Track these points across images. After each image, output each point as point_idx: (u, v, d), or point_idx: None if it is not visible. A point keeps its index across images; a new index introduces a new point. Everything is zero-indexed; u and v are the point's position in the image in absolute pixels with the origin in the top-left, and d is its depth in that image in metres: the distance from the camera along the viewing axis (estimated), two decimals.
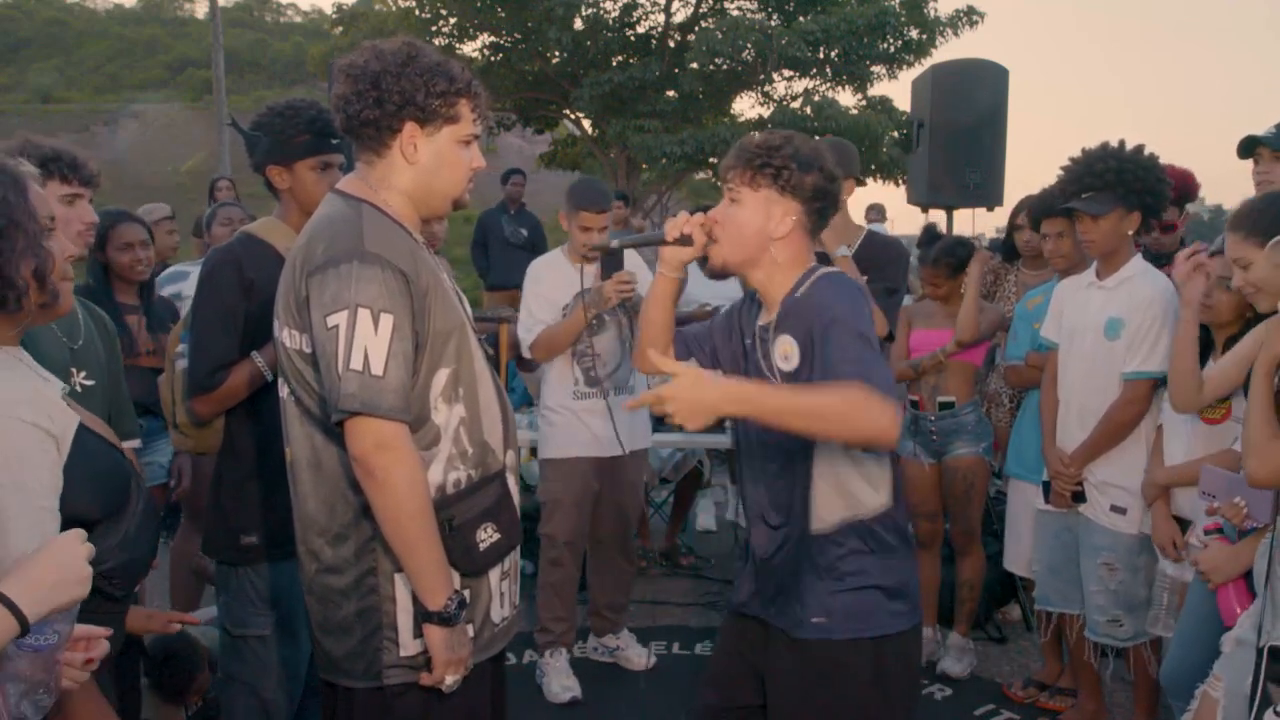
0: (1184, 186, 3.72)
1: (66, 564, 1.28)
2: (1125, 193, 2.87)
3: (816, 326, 1.85)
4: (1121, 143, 2.96)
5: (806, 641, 1.95)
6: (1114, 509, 2.99)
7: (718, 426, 4.26)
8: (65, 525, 1.47)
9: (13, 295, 1.44)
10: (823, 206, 1.97)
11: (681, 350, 2.16)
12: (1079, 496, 3.06)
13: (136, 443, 2.51)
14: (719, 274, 2.04)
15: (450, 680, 1.72)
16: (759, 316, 2.04)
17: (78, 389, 2.12)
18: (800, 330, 1.91)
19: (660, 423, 4.13)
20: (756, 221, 1.94)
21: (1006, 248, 4.24)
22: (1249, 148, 2.84)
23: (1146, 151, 2.94)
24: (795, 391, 1.77)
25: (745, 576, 2.12)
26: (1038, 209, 3.57)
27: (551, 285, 3.57)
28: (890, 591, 1.96)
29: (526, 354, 3.62)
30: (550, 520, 3.64)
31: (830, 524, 1.93)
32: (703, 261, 2.04)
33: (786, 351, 1.94)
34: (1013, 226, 4.15)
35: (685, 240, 1.98)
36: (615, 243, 2.30)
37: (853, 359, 1.77)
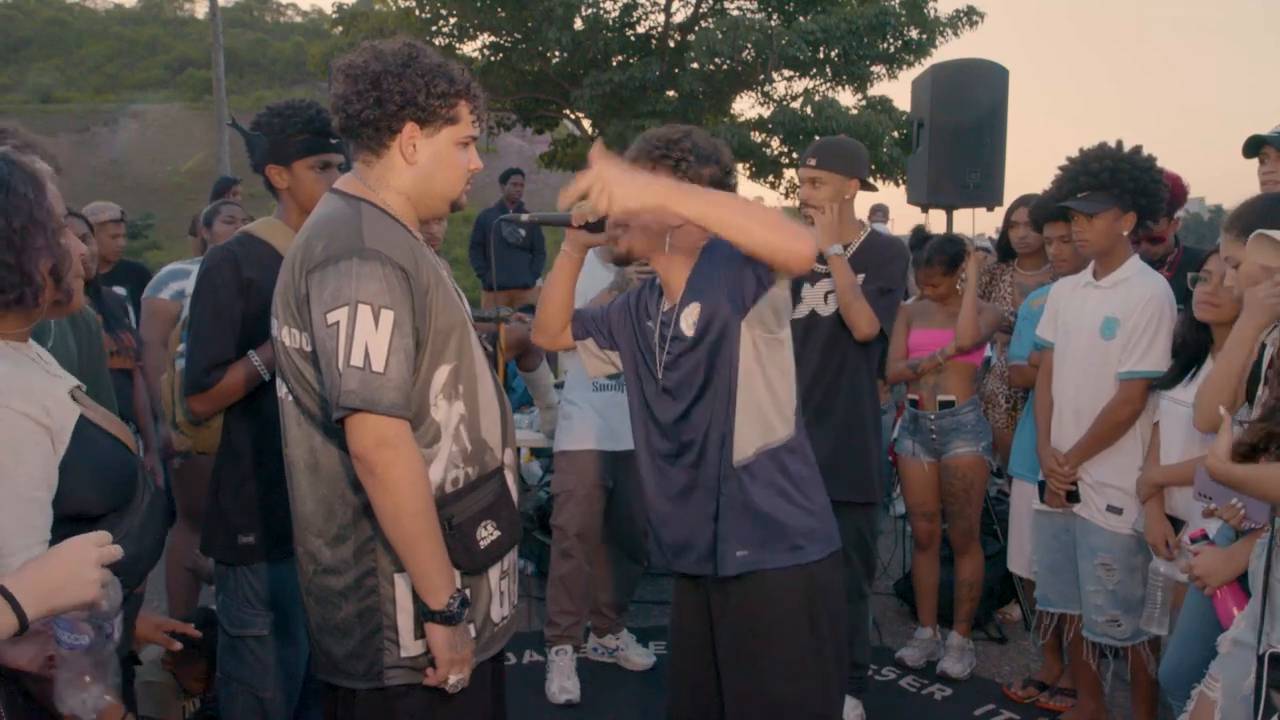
0: (1171, 195, 3.71)
1: (74, 566, 1.26)
2: (1120, 193, 2.87)
3: (731, 261, 1.98)
4: (1119, 143, 2.97)
5: (735, 578, 2.04)
6: (1110, 509, 2.99)
7: None
8: (69, 519, 1.47)
9: (30, 292, 1.46)
10: None
11: (579, 329, 2.28)
12: (1073, 496, 3.06)
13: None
14: (623, 260, 2.19)
15: (454, 680, 1.72)
16: (661, 303, 2.15)
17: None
18: (703, 293, 2.04)
19: None
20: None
21: (1002, 246, 4.24)
22: (1255, 147, 2.84)
23: (1144, 153, 2.94)
24: (719, 195, 1.85)
25: (663, 535, 2.17)
26: (1040, 212, 3.57)
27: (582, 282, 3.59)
28: (809, 518, 2.07)
29: (534, 340, 3.62)
30: (562, 511, 3.65)
31: (748, 454, 2.03)
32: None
33: (693, 317, 2.06)
34: (1008, 224, 4.15)
35: (593, 226, 2.07)
36: (526, 216, 2.38)
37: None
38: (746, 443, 2.04)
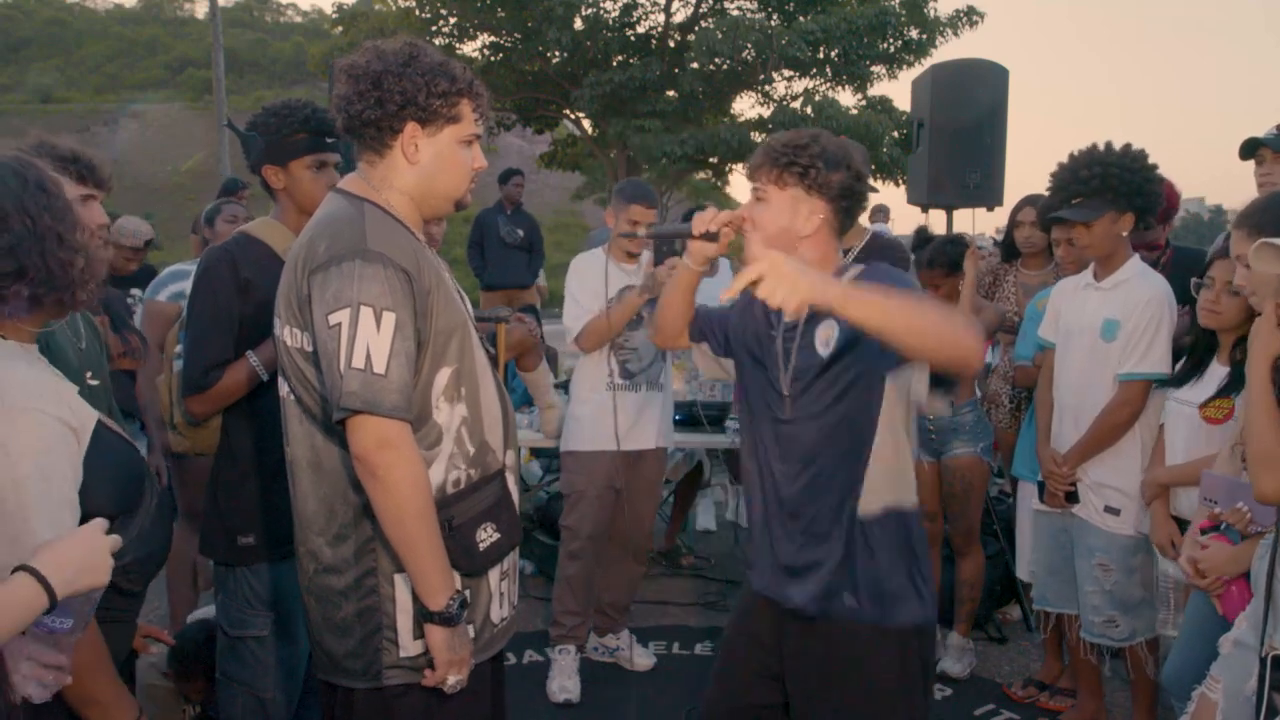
0: (1165, 203, 3.71)
1: (92, 550, 1.33)
2: (1114, 196, 2.86)
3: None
4: (1108, 144, 2.95)
5: (838, 623, 1.97)
6: (1108, 510, 2.99)
7: (718, 426, 4.31)
8: (82, 520, 1.48)
9: (69, 295, 1.50)
10: (849, 205, 2.01)
11: (695, 331, 2.23)
12: (1072, 497, 3.05)
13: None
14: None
15: (453, 680, 1.72)
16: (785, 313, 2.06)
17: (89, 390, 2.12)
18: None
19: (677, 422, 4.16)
20: (783, 220, 1.97)
21: (1006, 247, 4.24)
22: (1251, 149, 2.84)
23: (1134, 149, 2.92)
24: (893, 294, 1.71)
25: (755, 559, 2.11)
26: (1045, 215, 3.56)
27: (596, 278, 3.54)
28: (918, 586, 1.98)
29: (572, 345, 3.60)
30: (573, 512, 3.64)
31: (875, 510, 1.95)
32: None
33: (828, 336, 1.96)
34: (1012, 224, 4.14)
35: (711, 236, 2.02)
36: (644, 231, 2.33)
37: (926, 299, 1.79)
38: (876, 495, 1.95)
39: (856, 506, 1.95)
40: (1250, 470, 1.92)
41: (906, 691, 1.98)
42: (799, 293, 1.61)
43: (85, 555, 1.31)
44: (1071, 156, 2.98)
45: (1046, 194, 3.68)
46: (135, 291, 3.96)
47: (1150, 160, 2.94)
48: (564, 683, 3.60)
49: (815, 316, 1.95)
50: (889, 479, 1.96)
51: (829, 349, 1.95)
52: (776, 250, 1.81)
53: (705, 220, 2.03)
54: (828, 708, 2.00)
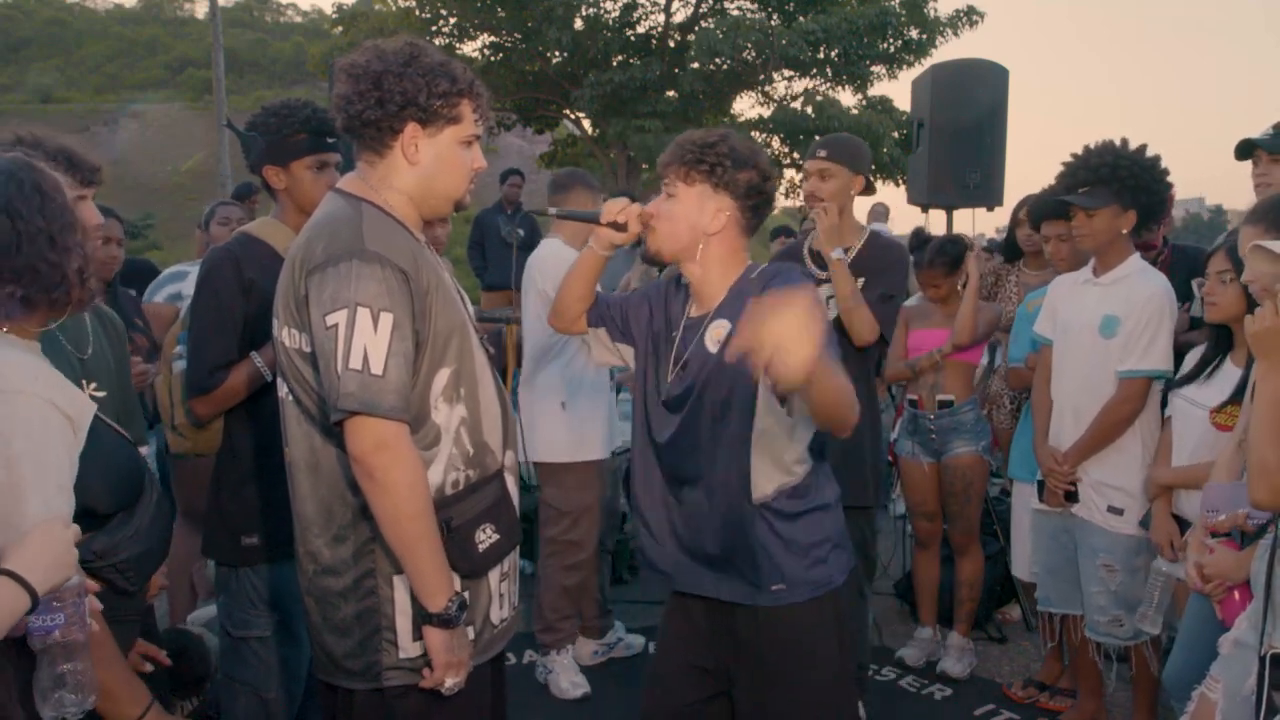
0: None
1: (56, 545, 1.32)
2: (1120, 189, 2.87)
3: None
4: (1124, 141, 2.96)
5: (769, 610, 2.01)
6: (1111, 510, 2.98)
7: None
8: (77, 516, 1.48)
9: (64, 291, 1.49)
10: (757, 204, 2.04)
11: (594, 317, 2.24)
12: (1072, 496, 3.05)
13: (145, 448, 2.50)
14: (653, 260, 2.13)
15: (451, 682, 1.72)
16: (689, 308, 2.10)
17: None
18: (738, 316, 1.93)
19: None
20: (690, 216, 2.01)
21: (1008, 246, 4.24)
22: (1246, 150, 2.84)
23: (1149, 152, 2.93)
24: (838, 375, 1.78)
25: (666, 555, 2.12)
26: (1037, 211, 3.57)
27: (559, 265, 3.55)
28: (831, 543, 2.05)
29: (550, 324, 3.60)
30: (575, 527, 3.58)
31: (768, 493, 1.99)
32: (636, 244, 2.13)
33: (719, 335, 2.00)
34: (1014, 224, 4.14)
35: (619, 226, 2.05)
36: (553, 211, 2.37)
37: (833, 344, 1.84)
38: (766, 480, 1.99)
39: (749, 493, 1.98)
40: (1249, 477, 1.91)
41: (841, 648, 2.06)
42: (801, 352, 1.54)
43: (53, 549, 1.31)
44: (1086, 148, 2.99)
45: (1042, 191, 3.70)
46: (131, 291, 3.93)
47: (1164, 167, 2.94)
48: (573, 679, 3.60)
49: (715, 314, 2.02)
50: (777, 461, 2.00)
51: (717, 347, 1.99)
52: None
53: (614, 210, 2.06)
54: (772, 686, 2.04)
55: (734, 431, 1.98)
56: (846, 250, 3.02)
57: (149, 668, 1.99)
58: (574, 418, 3.56)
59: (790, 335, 1.52)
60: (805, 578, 2.01)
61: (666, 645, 2.22)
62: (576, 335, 2.29)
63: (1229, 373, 2.63)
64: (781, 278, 1.99)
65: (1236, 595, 2.18)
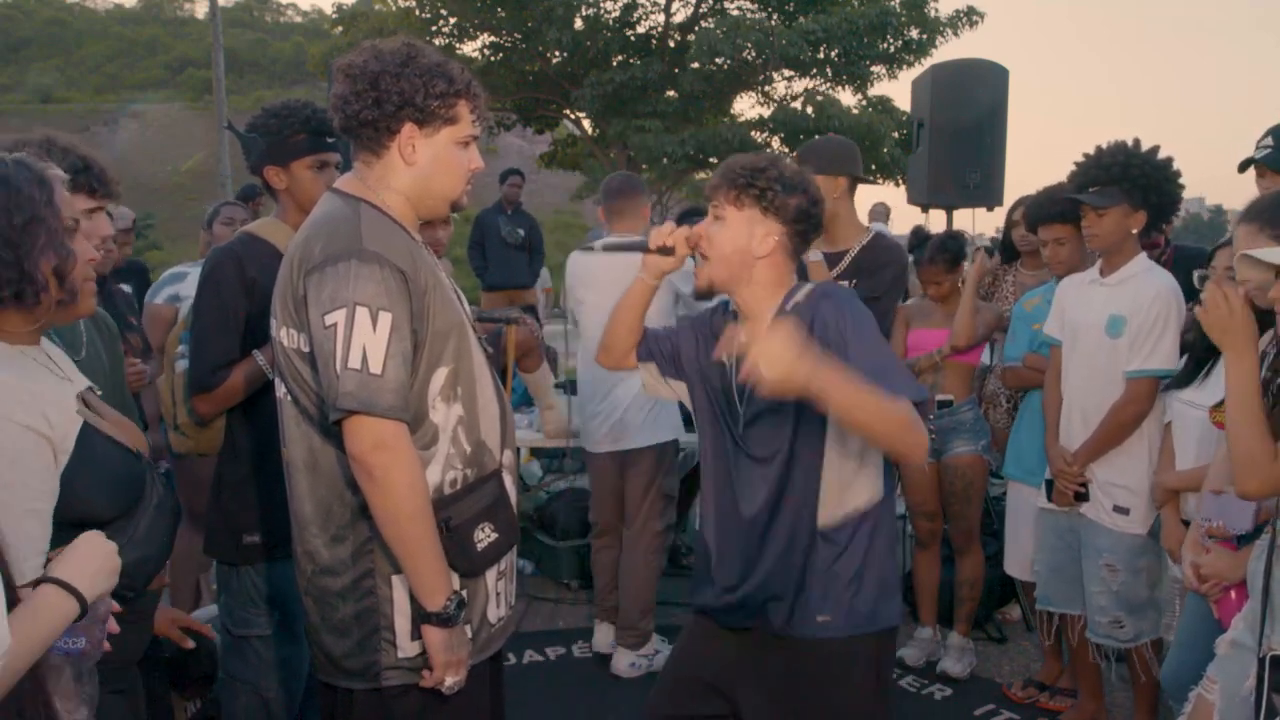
0: None
1: (101, 556, 1.35)
2: (1130, 188, 2.87)
3: (831, 337, 1.89)
4: (1137, 142, 2.96)
5: (809, 640, 1.97)
6: (1117, 509, 2.97)
7: None
8: (76, 525, 1.48)
9: (31, 290, 1.46)
10: (805, 229, 2.03)
11: (643, 351, 2.21)
12: (1081, 496, 3.05)
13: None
14: (704, 294, 2.09)
15: (450, 681, 1.72)
16: (742, 336, 2.05)
17: None
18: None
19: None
20: (739, 240, 1.99)
21: (1005, 247, 4.24)
22: (1247, 167, 2.87)
23: (1162, 155, 2.93)
24: (863, 388, 1.75)
25: (707, 579, 2.10)
26: (1033, 214, 3.56)
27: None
28: (886, 585, 2.01)
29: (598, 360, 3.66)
30: (670, 509, 3.73)
31: (836, 518, 1.96)
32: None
33: None
34: (1009, 224, 4.14)
35: (666, 250, 2.03)
36: (599, 245, 2.32)
37: (891, 369, 1.86)
38: (835, 505, 1.97)
39: (816, 520, 1.97)
40: (1235, 472, 1.91)
41: (879, 696, 2.01)
42: (778, 367, 1.65)
43: (98, 559, 1.34)
44: (1098, 148, 2.99)
45: (1037, 193, 3.69)
46: (124, 287, 3.93)
47: (1176, 168, 2.94)
48: (635, 660, 3.72)
49: None
50: (844, 486, 1.98)
51: None
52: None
53: (662, 235, 2.05)
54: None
55: (804, 456, 1.97)
56: (847, 250, 3.02)
57: (190, 643, 2.02)
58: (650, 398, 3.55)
59: (769, 351, 1.64)
60: (852, 612, 1.97)
61: (682, 656, 2.20)
62: (628, 370, 2.26)
63: (1222, 371, 2.64)
64: (832, 299, 1.98)
65: (1233, 595, 2.18)
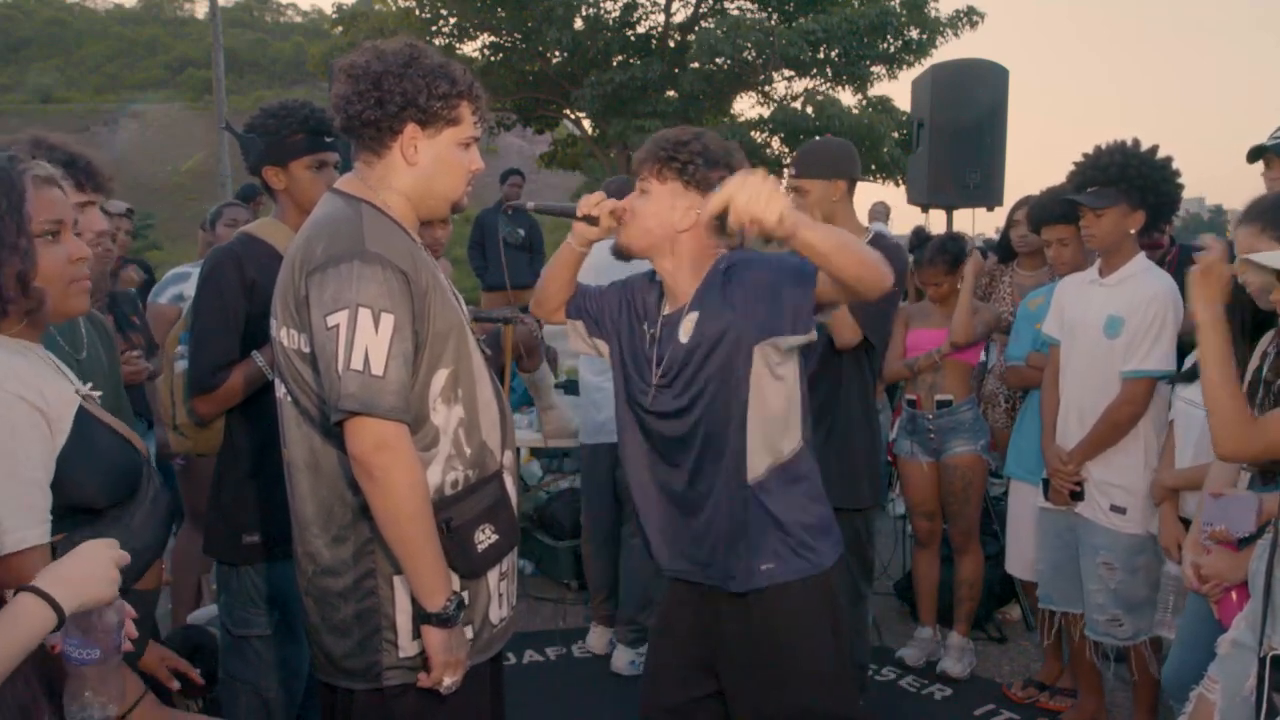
0: None
1: (93, 566, 1.32)
2: (1129, 188, 2.87)
3: (755, 267, 2.00)
4: (1135, 141, 2.96)
5: (758, 591, 2.04)
6: (1113, 509, 2.98)
7: None
8: (72, 511, 1.48)
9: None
10: None
11: (572, 308, 2.28)
12: (1077, 495, 3.05)
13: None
14: (623, 255, 2.15)
15: (448, 682, 1.72)
16: (664, 306, 2.14)
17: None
18: (708, 305, 2.04)
19: None
20: (662, 212, 2.05)
21: (1002, 247, 4.24)
22: (1256, 155, 2.85)
23: (1162, 155, 2.93)
24: (831, 229, 1.83)
25: (660, 543, 2.15)
26: (1037, 214, 3.56)
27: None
28: (822, 523, 2.09)
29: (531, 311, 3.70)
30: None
31: (760, 472, 2.02)
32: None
33: (689, 327, 2.05)
34: (1009, 224, 4.14)
35: (592, 220, 2.08)
36: (531, 205, 2.37)
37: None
38: (759, 460, 2.02)
39: (745, 476, 2.02)
40: (1213, 434, 2.00)
41: (834, 632, 2.08)
42: (778, 201, 1.68)
43: (88, 569, 1.30)
44: (1097, 148, 2.99)
45: (1040, 194, 3.69)
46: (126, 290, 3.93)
47: (1175, 167, 2.94)
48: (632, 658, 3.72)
49: (688, 308, 2.06)
50: (767, 438, 2.03)
51: (688, 337, 2.04)
52: (650, 231, 2.02)
53: (589, 204, 2.09)
54: (766, 671, 2.06)
55: (727, 416, 2.02)
56: None
57: (176, 685, 1.98)
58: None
59: (754, 190, 1.68)
60: (795, 556, 2.04)
61: (659, 643, 2.24)
62: (557, 324, 2.34)
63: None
64: (741, 263, 2.06)
65: (1234, 596, 2.18)
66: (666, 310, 2.13)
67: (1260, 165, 2.87)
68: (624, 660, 3.76)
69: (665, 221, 2.04)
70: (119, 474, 1.59)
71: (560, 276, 2.23)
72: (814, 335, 2.02)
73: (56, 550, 1.44)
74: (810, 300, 1.96)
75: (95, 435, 1.55)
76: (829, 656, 2.07)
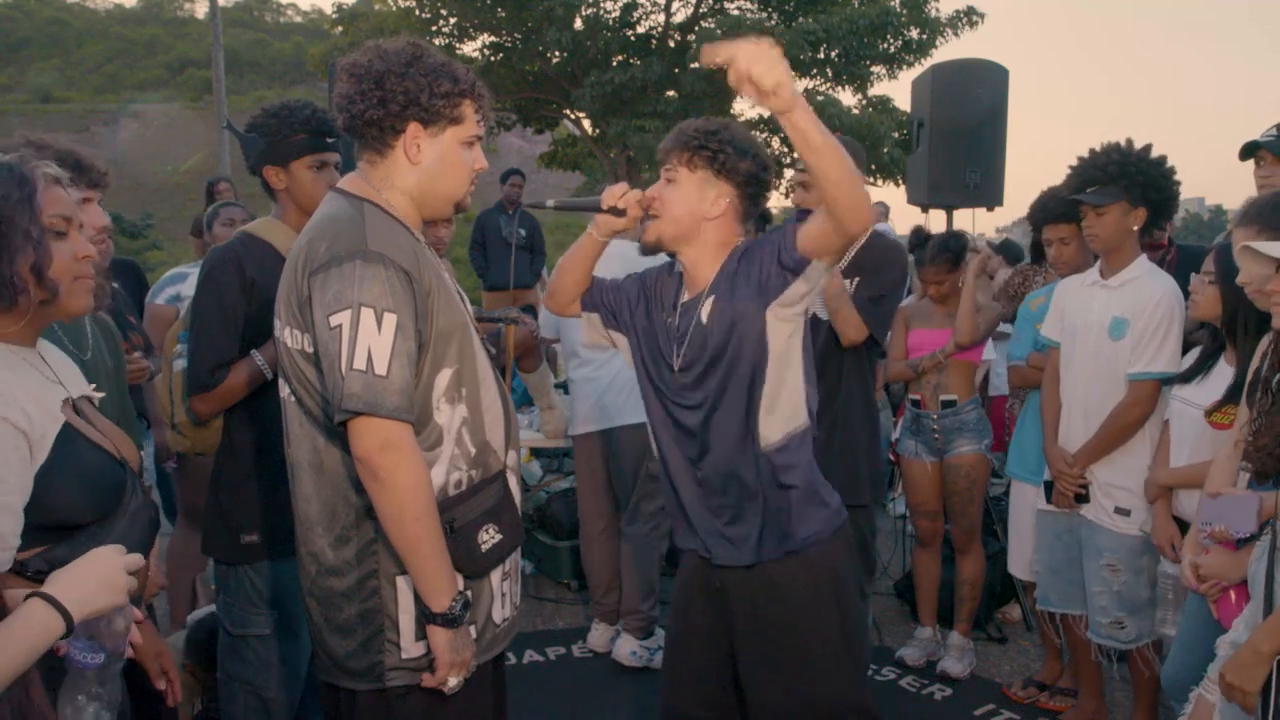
0: None
1: (104, 572, 1.33)
2: (1129, 185, 2.88)
3: (762, 256, 2.02)
4: (1129, 141, 2.98)
5: (777, 561, 2.08)
6: (1118, 511, 2.98)
7: None
8: (52, 527, 1.48)
9: (8, 292, 1.45)
10: (755, 192, 2.11)
11: (588, 301, 2.29)
12: (1082, 497, 3.05)
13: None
14: (651, 250, 2.16)
15: (453, 682, 1.72)
16: (682, 294, 2.16)
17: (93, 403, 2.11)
18: (724, 288, 2.06)
19: None
20: (691, 202, 2.07)
21: (1035, 248, 4.25)
22: (1250, 152, 2.86)
23: (1158, 154, 2.94)
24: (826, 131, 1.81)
25: (689, 520, 2.18)
26: (1038, 215, 3.56)
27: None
28: (826, 490, 2.14)
29: (544, 304, 3.75)
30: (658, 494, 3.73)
31: (777, 440, 2.06)
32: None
33: (708, 310, 2.07)
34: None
35: (618, 211, 2.08)
36: (552, 203, 2.37)
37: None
38: (774, 429, 2.06)
39: (759, 450, 2.06)
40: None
41: (846, 595, 2.14)
42: (780, 71, 1.67)
43: (99, 575, 1.31)
44: (1093, 150, 3.01)
45: (1041, 195, 3.70)
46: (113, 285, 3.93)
47: (1170, 165, 2.95)
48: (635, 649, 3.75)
49: (706, 294, 2.09)
50: (783, 410, 2.07)
51: (708, 318, 2.07)
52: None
53: (614, 195, 2.10)
54: (776, 641, 2.09)
55: (745, 393, 2.05)
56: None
57: (162, 686, 1.97)
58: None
59: (759, 53, 1.66)
60: (813, 520, 2.09)
61: (679, 633, 2.26)
62: (570, 318, 2.34)
63: (1222, 372, 2.64)
64: (753, 245, 2.08)
65: (1233, 596, 2.18)
66: (686, 298, 2.15)
67: (1253, 163, 2.88)
68: (626, 650, 3.77)
69: (695, 210, 2.06)
70: (102, 489, 1.58)
71: (579, 269, 2.24)
72: (813, 284, 2.02)
73: (29, 566, 1.44)
74: (793, 236, 1.97)
75: (79, 451, 1.54)
76: (835, 636, 2.10)
